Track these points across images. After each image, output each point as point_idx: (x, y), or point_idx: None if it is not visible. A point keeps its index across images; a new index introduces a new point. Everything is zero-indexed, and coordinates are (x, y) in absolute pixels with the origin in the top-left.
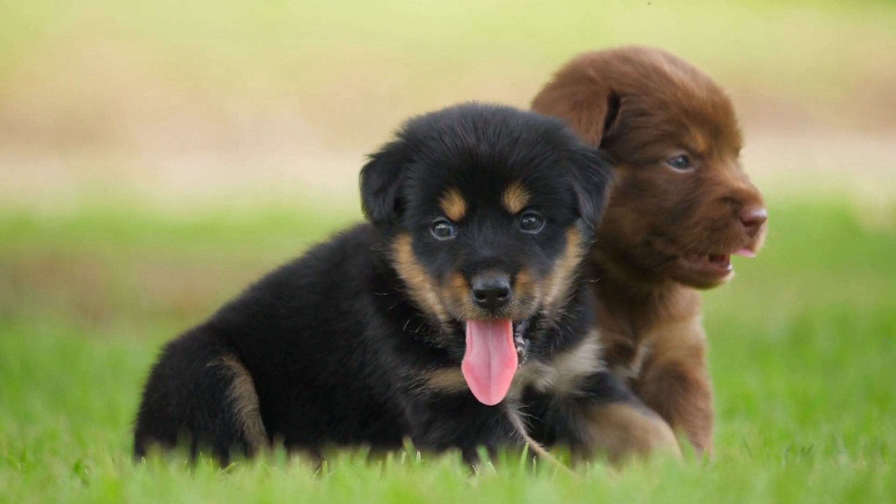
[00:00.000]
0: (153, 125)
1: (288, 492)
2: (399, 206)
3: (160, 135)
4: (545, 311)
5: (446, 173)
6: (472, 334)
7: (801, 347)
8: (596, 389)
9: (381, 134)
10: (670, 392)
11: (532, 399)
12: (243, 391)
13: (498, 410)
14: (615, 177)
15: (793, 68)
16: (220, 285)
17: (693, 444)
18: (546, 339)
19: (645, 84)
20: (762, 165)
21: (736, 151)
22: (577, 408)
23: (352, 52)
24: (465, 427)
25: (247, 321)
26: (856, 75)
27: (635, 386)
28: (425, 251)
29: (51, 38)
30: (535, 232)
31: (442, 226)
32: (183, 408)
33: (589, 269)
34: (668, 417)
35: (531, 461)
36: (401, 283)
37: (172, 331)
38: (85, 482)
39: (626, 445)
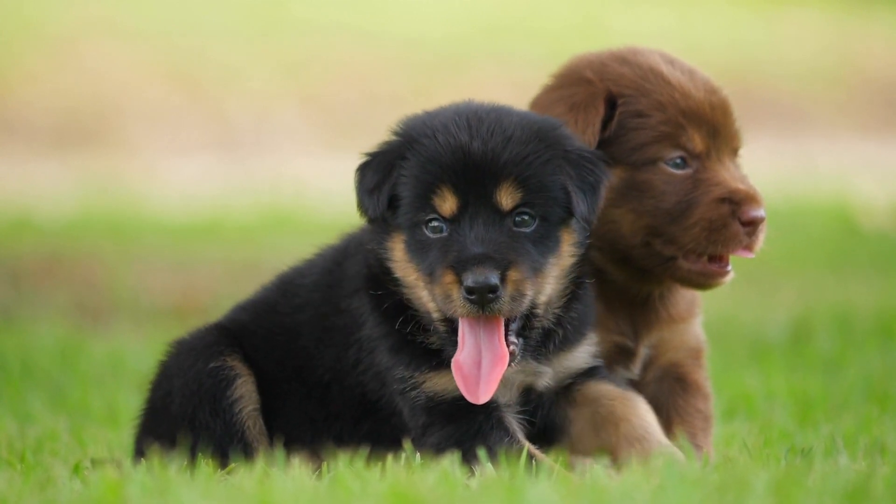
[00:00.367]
0: (153, 125)
1: (287, 493)
2: (393, 203)
3: (160, 135)
4: (539, 311)
5: (439, 170)
6: (464, 332)
7: (800, 348)
8: (581, 377)
9: (381, 134)
10: (670, 393)
11: (531, 402)
12: (245, 392)
13: (494, 415)
14: (610, 177)
15: (793, 68)
16: (220, 285)
17: (693, 445)
18: (542, 338)
19: (642, 85)
20: (762, 166)
21: (734, 152)
22: (560, 394)
23: (352, 53)
24: (462, 432)
25: (253, 320)
26: (856, 75)
27: (636, 387)
28: (418, 249)
29: (51, 38)
30: (527, 230)
31: (434, 223)
32: (185, 407)
33: (587, 270)
34: (668, 419)
35: (530, 464)
36: (395, 282)
37: (172, 331)
38: (85, 483)
39: (597, 418)
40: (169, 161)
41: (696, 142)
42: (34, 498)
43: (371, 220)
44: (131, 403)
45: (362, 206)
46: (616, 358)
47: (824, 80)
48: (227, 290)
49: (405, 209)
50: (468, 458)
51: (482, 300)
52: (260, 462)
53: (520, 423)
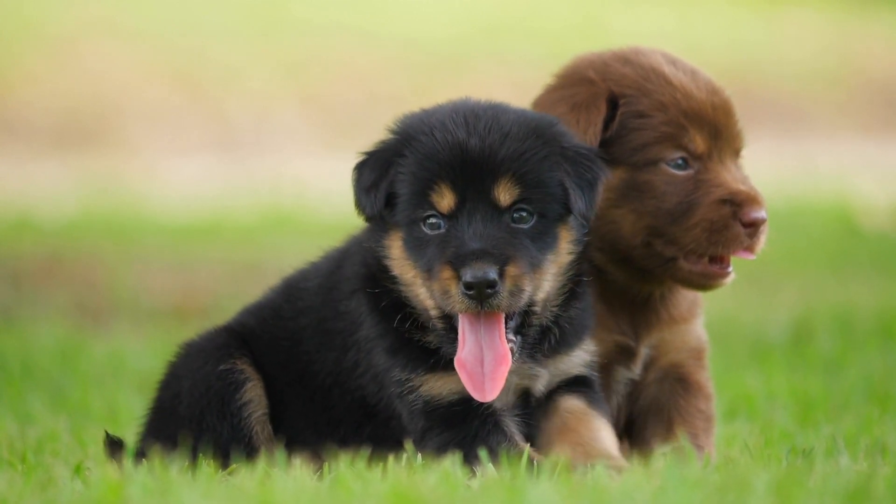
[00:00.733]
0: (153, 125)
1: (289, 493)
2: (391, 201)
3: (160, 135)
4: (536, 308)
5: (436, 167)
6: (465, 330)
7: (801, 348)
8: (570, 382)
9: (381, 134)
10: (671, 394)
11: (529, 405)
12: (253, 396)
13: (491, 419)
14: (608, 174)
15: (793, 69)
16: (220, 286)
17: (694, 445)
18: (539, 337)
19: (644, 86)
20: (762, 166)
21: (736, 153)
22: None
23: (352, 53)
24: (461, 437)
25: (259, 323)
26: (856, 76)
27: (637, 387)
28: (416, 245)
29: (51, 39)
30: (525, 226)
31: (432, 220)
32: (193, 409)
33: (586, 268)
34: (669, 419)
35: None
36: (393, 280)
37: (173, 331)
38: (86, 483)
39: (553, 429)
40: (169, 161)
41: (698, 143)
42: (35, 498)
43: (368, 218)
44: (132, 404)
45: (360, 204)
46: (617, 358)
47: (824, 80)
48: (227, 290)
49: (403, 206)
50: (468, 463)
51: (480, 295)
52: (261, 463)
53: (518, 427)
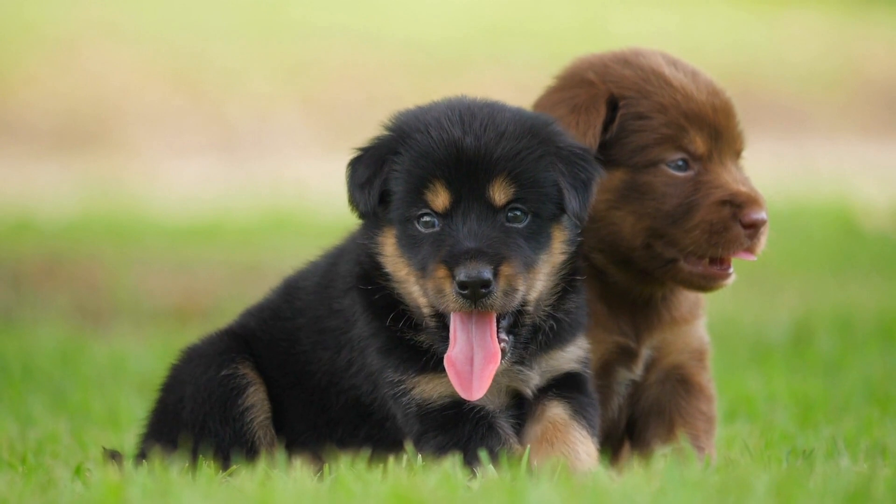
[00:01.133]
0: (154, 127)
1: (289, 495)
2: (385, 198)
3: (161, 137)
4: (529, 307)
5: (431, 165)
6: (456, 329)
7: (802, 350)
8: (559, 383)
9: (377, 132)
10: (673, 395)
11: (523, 406)
12: (255, 400)
13: (485, 422)
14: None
15: (793, 70)
16: (220, 287)
17: (695, 447)
18: (531, 335)
19: (644, 87)
20: (763, 167)
21: (737, 154)
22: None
23: (352, 55)
24: (455, 441)
25: (260, 325)
26: (856, 77)
27: (638, 388)
28: (410, 243)
29: (51, 41)
30: (519, 225)
31: (426, 218)
32: (196, 414)
33: (579, 267)
34: (671, 420)
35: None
36: (386, 277)
37: (173, 333)
38: (86, 485)
39: (534, 436)
40: (169, 163)
41: (698, 144)
42: (35, 500)
43: (362, 215)
44: (132, 405)
45: (353, 201)
46: (618, 359)
47: (825, 82)
48: (227, 292)
49: (397, 204)
50: (467, 465)
51: (475, 295)
52: (261, 464)
53: (513, 428)
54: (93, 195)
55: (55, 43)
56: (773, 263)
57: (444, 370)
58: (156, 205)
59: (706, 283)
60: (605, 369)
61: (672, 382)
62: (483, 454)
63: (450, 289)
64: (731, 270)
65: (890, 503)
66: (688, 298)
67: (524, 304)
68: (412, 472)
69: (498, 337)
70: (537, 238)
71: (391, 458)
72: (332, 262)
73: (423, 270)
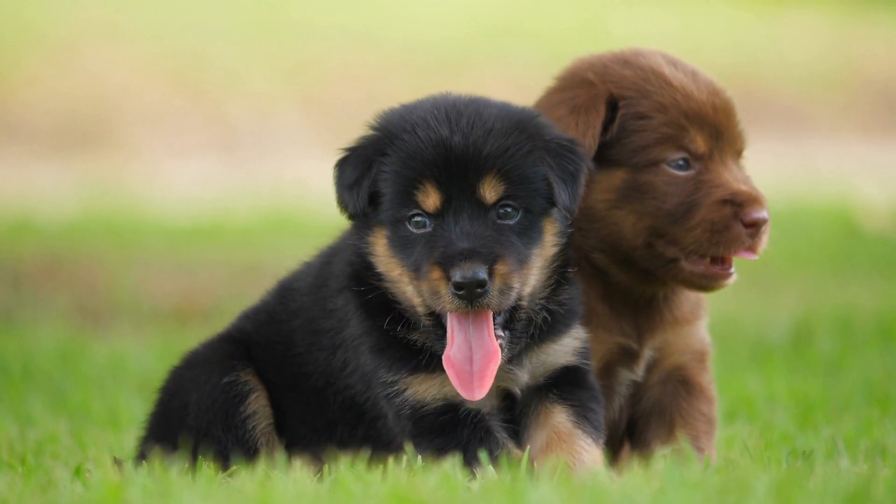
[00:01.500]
0: (154, 128)
1: (289, 495)
2: (374, 199)
3: (161, 137)
4: (523, 302)
5: (420, 166)
6: (453, 329)
7: (802, 350)
8: (559, 381)
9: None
10: (674, 396)
11: (514, 407)
12: (258, 407)
13: (481, 426)
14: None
15: (794, 71)
16: (220, 288)
17: (695, 448)
18: (524, 329)
19: (644, 87)
20: (763, 168)
21: (738, 153)
22: (528, 404)
23: (352, 55)
24: (451, 446)
25: (256, 328)
26: (857, 78)
27: (639, 389)
28: (402, 244)
29: (51, 41)
30: (511, 222)
31: (418, 218)
32: (200, 421)
33: (570, 259)
34: (672, 421)
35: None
36: (378, 277)
37: (173, 333)
38: (86, 485)
39: (542, 445)
40: (169, 163)
41: (699, 143)
42: (35, 500)
43: (351, 217)
44: (132, 406)
45: (342, 202)
46: (619, 359)
47: (825, 82)
48: (227, 292)
49: (387, 205)
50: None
51: (471, 295)
52: (261, 465)
53: (508, 430)
54: (93, 195)
55: (55, 43)
56: (774, 264)
57: (437, 370)
58: (156, 205)
59: (707, 283)
60: (607, 370)
61: (673, 383)
62: (483, 454)
63: (445, 290)
64: (733, 270)
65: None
66: (689, 299)
67: (519, 298)
68: (412, 472)
69: (494, 334)
70: (529, 233)
71: (391, 459)
72: (325, 262)
73: (416, 272)
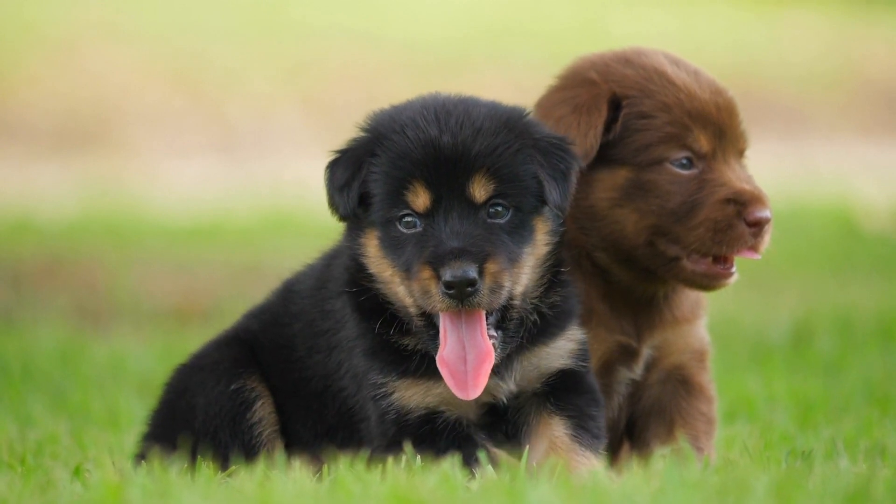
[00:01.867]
0: (154, 128)
1: (288, 495)
2: (365, 200)
3: (161, 137)
4: (515, 301)
5: (410, 166)
6: (446, 329)
7: (801, 350)
8: (556, 387)
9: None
10: (673, 395)
11: (499, 414)
12: (263, 414)
13: (459, 433)
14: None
15: (794, 71)
16: (220, 288)
17: (694, 447)
18: (517, 329)
19: (647, 86)
20: (763, 168)
21: (741, 153)
22: (530, 411)
23: (352, 55)
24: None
25: (261, 328)
26: (857, 78)
27: (638, 388)
28: (393, 245)
29: (51, 41)
30: (501, 221)
31: (408, 219)
32: (207, 426)
33: (564, 257)
34: (671, 421)
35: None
36: (371, 278)
37: (173, 334)
38: (85, 486)
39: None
40: (169, 164)
41: (702, 142)
42: (34, 500)
43: (342, 218)
44: (132, 406)
45: (333, 204)
46: (619, 358)
47: (825, 82)
48: (227, 292)
49: (377, 206)
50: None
51: (461, 294)
52: (260, 465)
53: (496, 437)
54: (93, 195)
55: (55, 43)
56: (774, 264)
57: (424, 377)
58: (156, 205)
59: (709, 282)
60: (606, 368)
61: (673, 383)
62: (483, 455)
63: (436, 289)
64: (734, 269)
65: None
66: (689, 298)
67: (511, 297)
68: (411, 472)
69: (487, 334)
70: (520, 232)
71: (390, 459)
72: (326, 265)
73: (407, 272)
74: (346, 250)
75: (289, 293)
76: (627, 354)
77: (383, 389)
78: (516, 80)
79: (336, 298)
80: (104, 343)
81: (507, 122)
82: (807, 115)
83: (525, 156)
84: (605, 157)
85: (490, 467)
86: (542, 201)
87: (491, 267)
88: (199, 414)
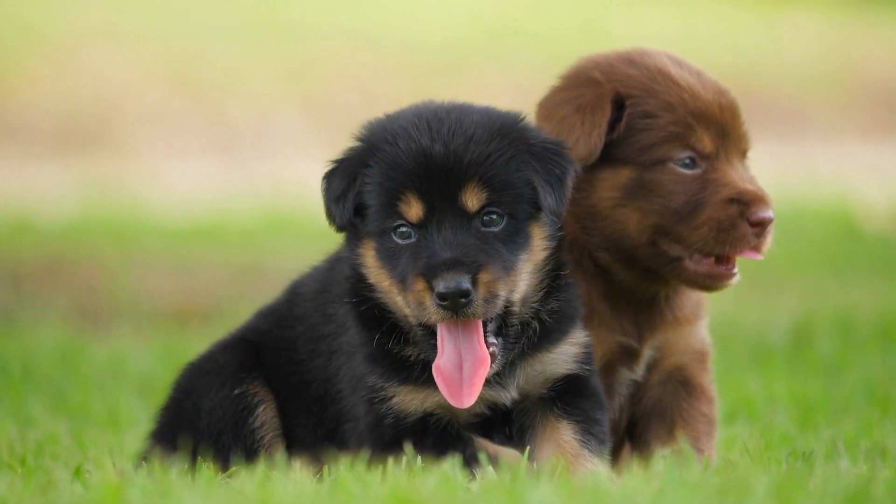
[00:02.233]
0: (154, 128)
1: (288, 496)
2: (360, 211)
3: (161, 138)
4: (514, 308)
5: (402, 176)
6: (443, 337)
7: (802, 351)
8: (562, 392)
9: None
10: (674, 396)
11: (498, 419)
12: (266, 419)
13: (457, 437)
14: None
15: (794, 71)
16: (220, 289)
17: (695, 448)
18: (518, 335)
19: (650, 86)
20: (763, 168)
21: (743, 153)
22: (536, 414)
23: (352, 56)
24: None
25: (269, 330)
26: (857, 78)
27: (639, 389)
28: (388, 255)
29: (51, 42)
30: (496, 229)
31: (402, 229)
32: (212, 429)
33: (564, 262)
34: (672, 422)
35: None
36: (371, 288)
37: (173, 334)
38: (85, 486)
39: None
40: (169, 164)
41: (706, 142)
42: (35, 501)
43: (339, 229)
44: (132, 407)
45: (330, 215)
46: (620, 359)
47: (825, 83)
48: (227, 293)
49: (372, 217)
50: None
51: (455, 305)
52: (261, 465)
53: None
54: (93, 196)
55: (55, 43)
56: (774, 265)
57: (423, 385)
58: (156, 206)
59: (711, 283)
60: (607, 369)
61: (673, 383)
62: (483, 455)
63: (430, 301)
64: (736, 270)
65: None
66: (690, 299)
67: (509, 304)
68: (412, 473)
69: (487, 342)
70: (515, 239)
71: (391, 460)
72: (329, 268)
73: (403, 283)
74: (346, 260)
75: (293, 295)
76: (628, 355)
77: (382, 393)
78: (516, 81)
79: (338, 303)
80: (104, 343)
81: (501, 129)
82: (807, 115)
83: (519, 162)
84: (608, 156)
85: (490, 468)
86: (538, 207)
87: (484, 277)
88: (204, 416)
